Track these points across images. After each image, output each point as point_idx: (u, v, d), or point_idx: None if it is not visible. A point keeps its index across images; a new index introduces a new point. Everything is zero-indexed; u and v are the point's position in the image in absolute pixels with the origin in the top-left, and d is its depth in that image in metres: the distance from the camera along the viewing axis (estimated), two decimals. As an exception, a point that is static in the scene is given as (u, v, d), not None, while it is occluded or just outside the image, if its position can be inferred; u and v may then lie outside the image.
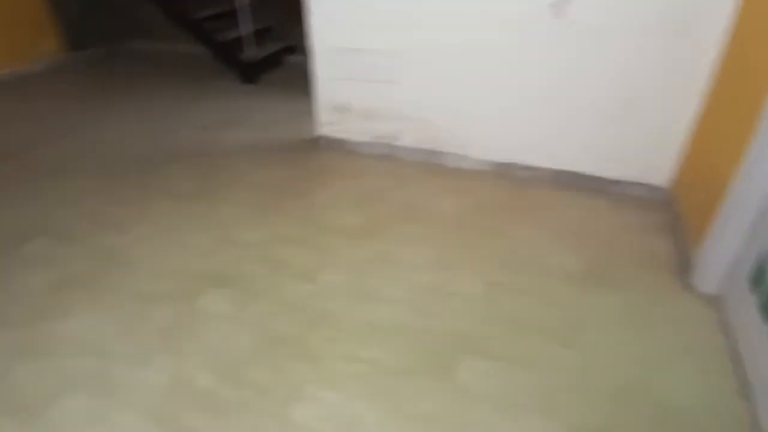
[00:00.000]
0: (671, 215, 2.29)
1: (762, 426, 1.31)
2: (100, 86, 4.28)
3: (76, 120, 3.53)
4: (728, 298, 1.71)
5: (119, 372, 1.54)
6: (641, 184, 2.47)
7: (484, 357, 1.57)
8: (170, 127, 3.36)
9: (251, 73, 4.11)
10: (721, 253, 1.72)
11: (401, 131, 2.82)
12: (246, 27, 4.16)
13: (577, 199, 2.48)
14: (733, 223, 1.65)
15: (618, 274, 1.95)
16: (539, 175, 2.63)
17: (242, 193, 2.53)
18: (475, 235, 2.19)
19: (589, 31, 2.23)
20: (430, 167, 2.78)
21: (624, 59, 2.23)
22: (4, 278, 1.96)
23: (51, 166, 2.86)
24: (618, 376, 1.51)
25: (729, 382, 1.48)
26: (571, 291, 1.86)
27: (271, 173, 2.73)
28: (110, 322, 1.74)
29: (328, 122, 2.96)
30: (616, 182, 2.50)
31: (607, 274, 1.95)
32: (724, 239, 1.69)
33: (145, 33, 5.33)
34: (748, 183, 1.58)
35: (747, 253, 1.64)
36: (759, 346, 1.44)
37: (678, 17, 2.08)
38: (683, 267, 1.95)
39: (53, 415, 1.41)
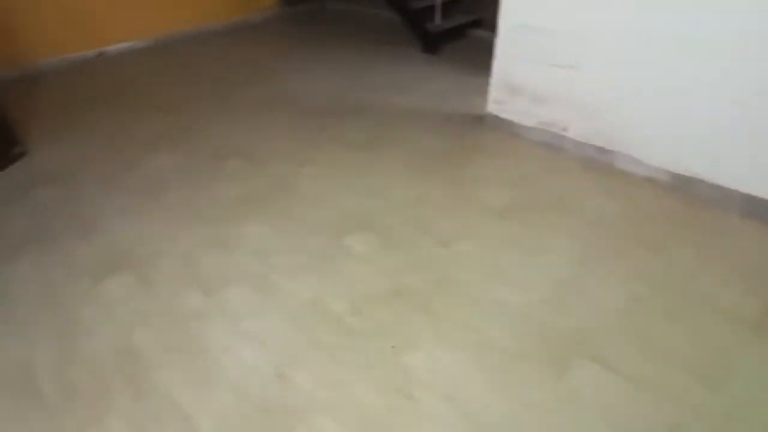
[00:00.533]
0: None
1: None
2: (303, 39, 4.84)
3: (279, 66, 4.08)
4: None
5: (275, 279, 1.84)
6: None
7: (605, 367, 1.49)
8: (352, 83, 3.68)
9: (433, 42, 4.23)
10: None
11: (571, 121, 2.67)
12: (438, -2, 4.27)
13: (772, 234, 2.10)
14: None
15: (803, 330, 1.64)
16: (726, 196, 2.26)
17: (403, 153, 2.70)
18: (630, 245, 2.02)
19: None
20: (595, 165, 2.60)
21: None
22: (205, 186, 2.44)
23: (254, 102, 3.39)
24: (766, 438, 1.31)
25: None
26: (736, 332, 1.62)
27: (433, 140, 2.84)
28: (275, 236, 2.07)
29: (497, 101, 2.93)
30: (835, 226, 2.04)
31: (788, 326, 1.65)
32: None
33: (347, -5, 5.81)
34: None
35: None
36: None
37: None
38: None
39: (223, 296, 1.77)
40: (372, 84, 3.67)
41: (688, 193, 2.35)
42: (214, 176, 2.52)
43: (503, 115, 2.94)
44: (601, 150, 2.61)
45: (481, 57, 3.96)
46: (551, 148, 2.77)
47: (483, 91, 3.05)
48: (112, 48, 4.42)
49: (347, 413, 1.37)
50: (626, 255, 1.96)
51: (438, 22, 4.21)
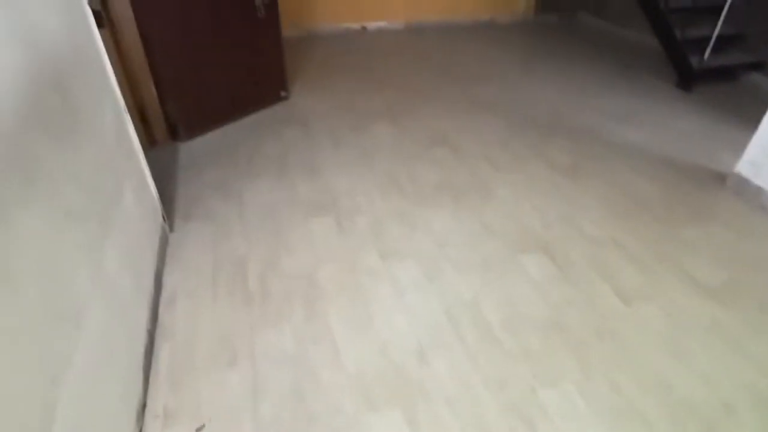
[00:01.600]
0: None
1: None
2: (545, 49, 4.75)
3: (513, 71, 4.12)
4: None
5: (444, 267, 1.97)
6: None
7: None
8: (581, 103, 3.51)
9: (693, 79, 3.70)
10: None
11: None
12: (715, 29, 3.67)
13: None
14: None
15: None
16: None
17: (609, 189, 2.51)
18: None
19: None
20: None
21: None
22: (411, 164, 2.68)
23: (477, 100, 3.52)
24: None
25: None
26: None
27: (650, 185, 2.56)
28: (457, 229, 2.19)
29: (753, 162, 2.46)
30: None
31: None
32: None
33: (599, 8, 5.42)
34: None
35: None
36: None
37: None
38: None
39: (396, 265, 1.97)
40: (601, 108, 3.44)
41: None
42: (421, 157, 2.74)
43: (756, 180, 2.46)
44: None
45: (748, 106, 3.36)
46: (808, 237, 2.23)
47: (736, 146, 2.60)
48: (372, 25, 5.04)
49: (467, 414, 1.43)
50: None
51: (707, 57, 3.64)
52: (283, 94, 3.39)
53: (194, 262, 1.99)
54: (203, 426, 1.38)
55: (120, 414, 1.26)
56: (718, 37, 3.66)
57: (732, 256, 2.10)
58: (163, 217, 2.11)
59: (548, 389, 1.50)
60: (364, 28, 5.03)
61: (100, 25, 1.69)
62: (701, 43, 3.71)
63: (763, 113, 2.40)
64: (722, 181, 2.62)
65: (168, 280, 1.89)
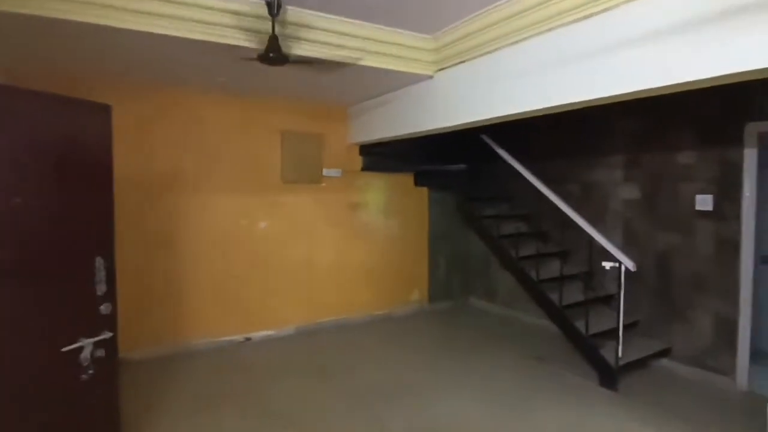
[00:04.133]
0: None
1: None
2: (447, 344, 4.44)
3: (421, 379, 3.55)
4: None
5: None
6: None
7: None
8: (513, 423, 2.90)
9: (613, 377, 3.40)
10: None
11: None
12: (611, 319, 3.62)
13: None
14: None
15: None
16: None
17: None
18: None
19: None
20: None
21: None
22: None
23: (392, 437, 2.75)
24: None
25: None
26: None
27: None
28: None
29: None
30: None
31: None
32: None
33: (491, 295, 5.58)
34: None
35: None
36: None
37: None
38: None
39: None
40: (540, 427, 2.85)
41: None
42: None
43: None
44: None
45: (677, 402, 3.09)
46: None
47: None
48: (258, 335, 4.43)
49: None
50: None
51: (620, 354, 3.40)
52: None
53: None
54: None
55: None
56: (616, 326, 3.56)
57: None
58: None
59: None
60: (248, 339, 4.37)
61: None
62: (606, 335, 3.60)
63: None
64: None
65: None
